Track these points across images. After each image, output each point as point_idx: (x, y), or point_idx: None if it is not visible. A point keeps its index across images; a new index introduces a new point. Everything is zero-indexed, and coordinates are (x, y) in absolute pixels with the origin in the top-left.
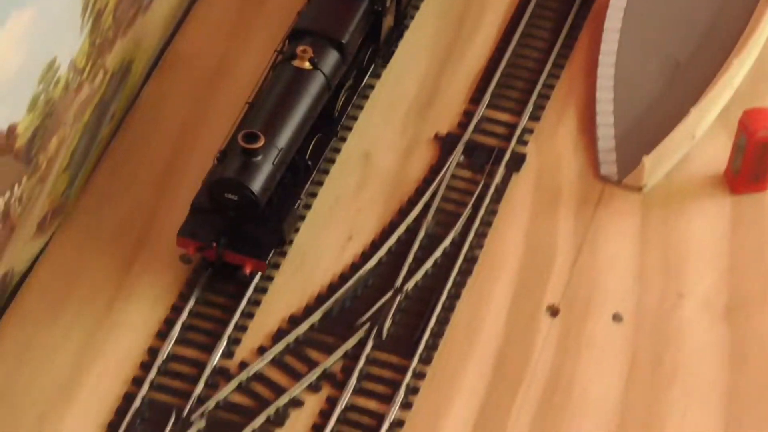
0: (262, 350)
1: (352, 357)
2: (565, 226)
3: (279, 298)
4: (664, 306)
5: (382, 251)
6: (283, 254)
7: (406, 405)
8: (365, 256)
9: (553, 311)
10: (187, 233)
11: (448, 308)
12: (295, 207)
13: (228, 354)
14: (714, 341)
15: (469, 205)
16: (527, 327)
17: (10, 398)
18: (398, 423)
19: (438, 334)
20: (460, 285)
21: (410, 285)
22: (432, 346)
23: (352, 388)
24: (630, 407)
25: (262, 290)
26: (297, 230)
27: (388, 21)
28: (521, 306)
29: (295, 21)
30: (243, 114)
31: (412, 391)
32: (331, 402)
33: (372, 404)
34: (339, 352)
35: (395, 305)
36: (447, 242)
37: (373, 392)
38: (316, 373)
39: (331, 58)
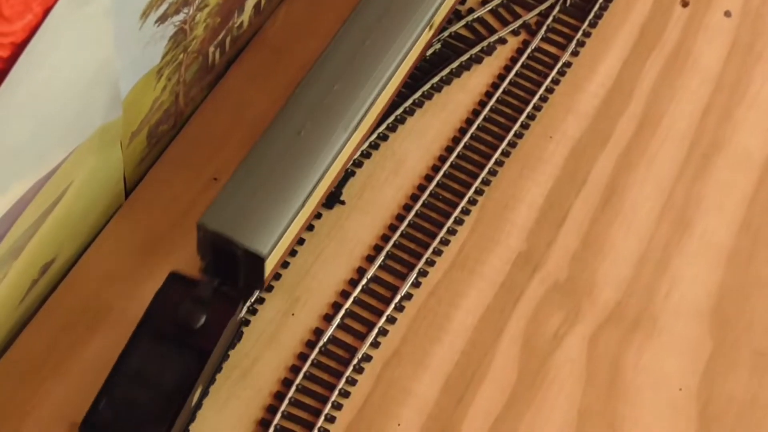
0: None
1: (544, 15)
2: None
3: None
4: None
5: None
6: None
7: (575, 53)
8: None
9: (684, 3)
10: None
11: None
12: None
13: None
14: None
15: None
16: (666, 12)
17: None
18: (562, 71)
19: (604, 7)
20: None
21: None
22: (598, 15)
23: (540, 36)
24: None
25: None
26: None
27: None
28: None
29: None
30: None
31: (581, 43)
32: (525, 43)
33: (552, 49)
34: (536, 10)
35: None
36: None
37: (554, 41)
38: (518, 23)
39: None
